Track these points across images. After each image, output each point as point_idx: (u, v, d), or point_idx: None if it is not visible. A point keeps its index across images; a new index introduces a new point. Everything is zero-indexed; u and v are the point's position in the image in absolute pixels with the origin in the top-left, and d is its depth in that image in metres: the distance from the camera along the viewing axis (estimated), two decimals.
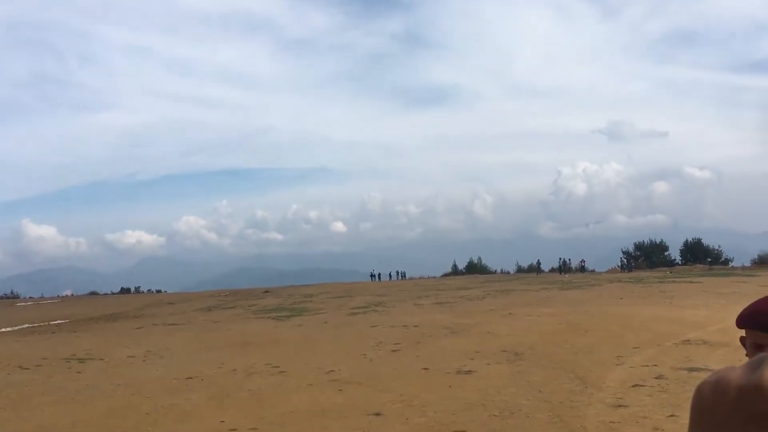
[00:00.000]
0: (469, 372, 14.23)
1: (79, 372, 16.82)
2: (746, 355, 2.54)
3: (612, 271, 62.48)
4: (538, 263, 66.63)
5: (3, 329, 32.64)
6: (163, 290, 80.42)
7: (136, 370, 16.81)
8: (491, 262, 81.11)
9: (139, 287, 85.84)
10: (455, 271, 74.59)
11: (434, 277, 70.08)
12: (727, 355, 15.22)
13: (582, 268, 64.24)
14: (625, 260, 65.12)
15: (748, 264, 58.88)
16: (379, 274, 74.29)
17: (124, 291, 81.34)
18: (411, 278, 72.20)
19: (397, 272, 76.36)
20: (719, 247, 66.17)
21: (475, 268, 73.26)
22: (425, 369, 14.85)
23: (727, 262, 62.99)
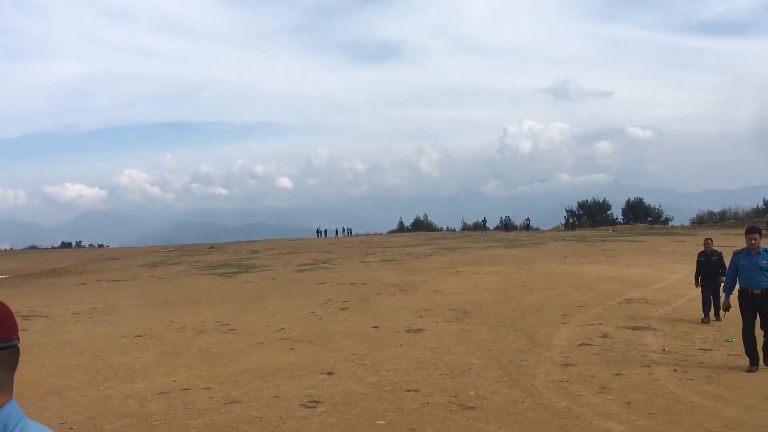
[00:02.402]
0: (418, 330, 14.38)
1: (23, 330, 16.42)
2: None
3: (556, 229, 63.56)
4: (484, 221, 67.25)
5: None
6: (105, 245, 79.12)
7: (83, 327, 16.55)
8: (437, 219, 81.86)
9: (80, 242, 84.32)
10: (401, 228, 74.96)
11: (381, 234, 70.29)
12: (668, 314, 15.68)
13: (527, 227, 65.12)
14: (568, 219, 66.24)
15: (687, 223, 60.49)
16: (326, 231, 74.31)
17: (65, 245, 79.78)
18: (357, 235, 72.34)
19: (344, 229, 76.55)
20: (660, 206, 67.80)
21: (421, 225, 73.72)
22: (375, 327, 14.95)
23: (667, 221, 64.55)
